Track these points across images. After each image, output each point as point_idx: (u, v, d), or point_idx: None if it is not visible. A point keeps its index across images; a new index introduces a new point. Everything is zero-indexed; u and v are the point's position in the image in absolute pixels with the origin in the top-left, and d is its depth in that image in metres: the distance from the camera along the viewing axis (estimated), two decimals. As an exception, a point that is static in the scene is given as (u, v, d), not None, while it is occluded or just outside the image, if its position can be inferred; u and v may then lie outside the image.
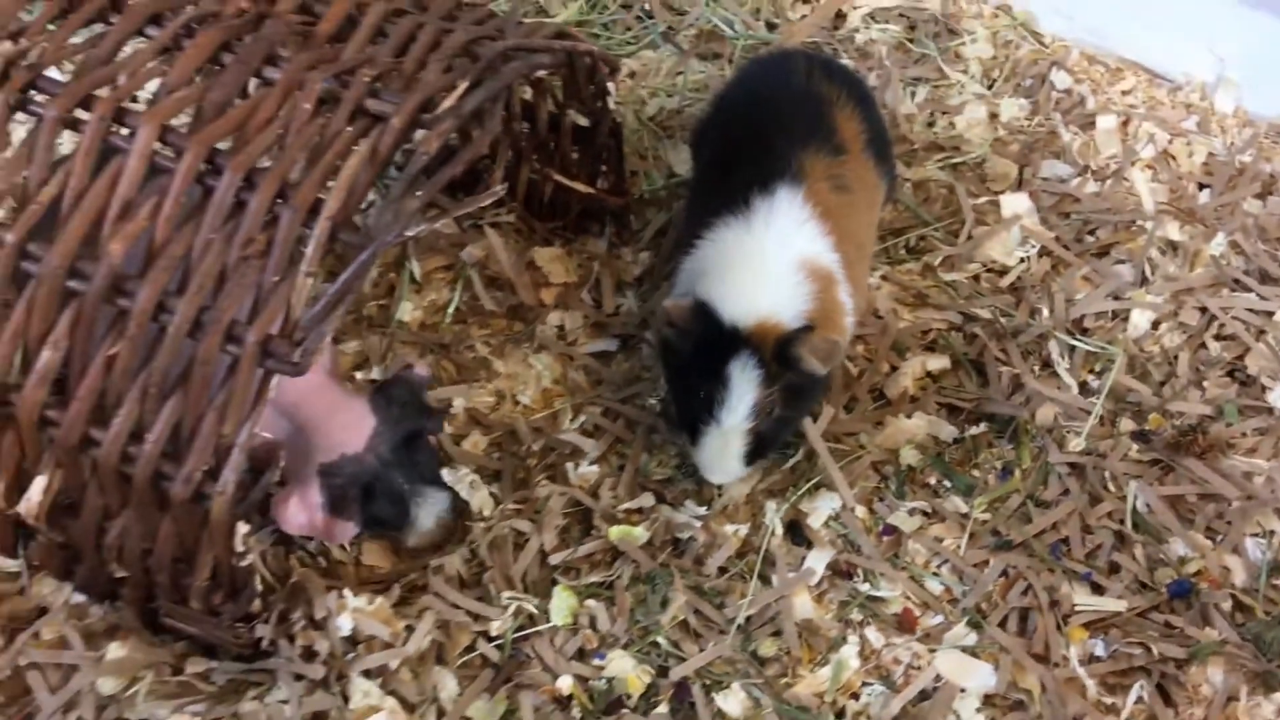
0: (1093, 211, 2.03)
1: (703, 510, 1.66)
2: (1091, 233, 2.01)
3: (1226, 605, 1.59)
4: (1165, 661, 1.54)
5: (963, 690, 1.51)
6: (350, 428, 1.48)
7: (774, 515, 1.64)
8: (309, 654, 1.47)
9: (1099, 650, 1.56)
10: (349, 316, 1.82)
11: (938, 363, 1.81)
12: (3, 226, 1.23)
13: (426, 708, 1.47)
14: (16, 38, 1.31)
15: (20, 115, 1.28)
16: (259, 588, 1.40)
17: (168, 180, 1.22)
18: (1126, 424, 1.76)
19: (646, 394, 1.78)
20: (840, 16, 2.34)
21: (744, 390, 1.52)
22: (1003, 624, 1.57)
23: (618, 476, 1.69)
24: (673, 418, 1.70)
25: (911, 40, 2.30)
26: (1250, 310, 1.90)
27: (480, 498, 1.64)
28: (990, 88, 2.24)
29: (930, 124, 2.17)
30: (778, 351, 1.52)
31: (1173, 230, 2.00)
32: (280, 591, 1.53)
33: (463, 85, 1.31)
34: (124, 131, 1.25)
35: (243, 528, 1.28)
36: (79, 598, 1.49)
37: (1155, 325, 1.88)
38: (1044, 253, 1.97)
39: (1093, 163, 2.11)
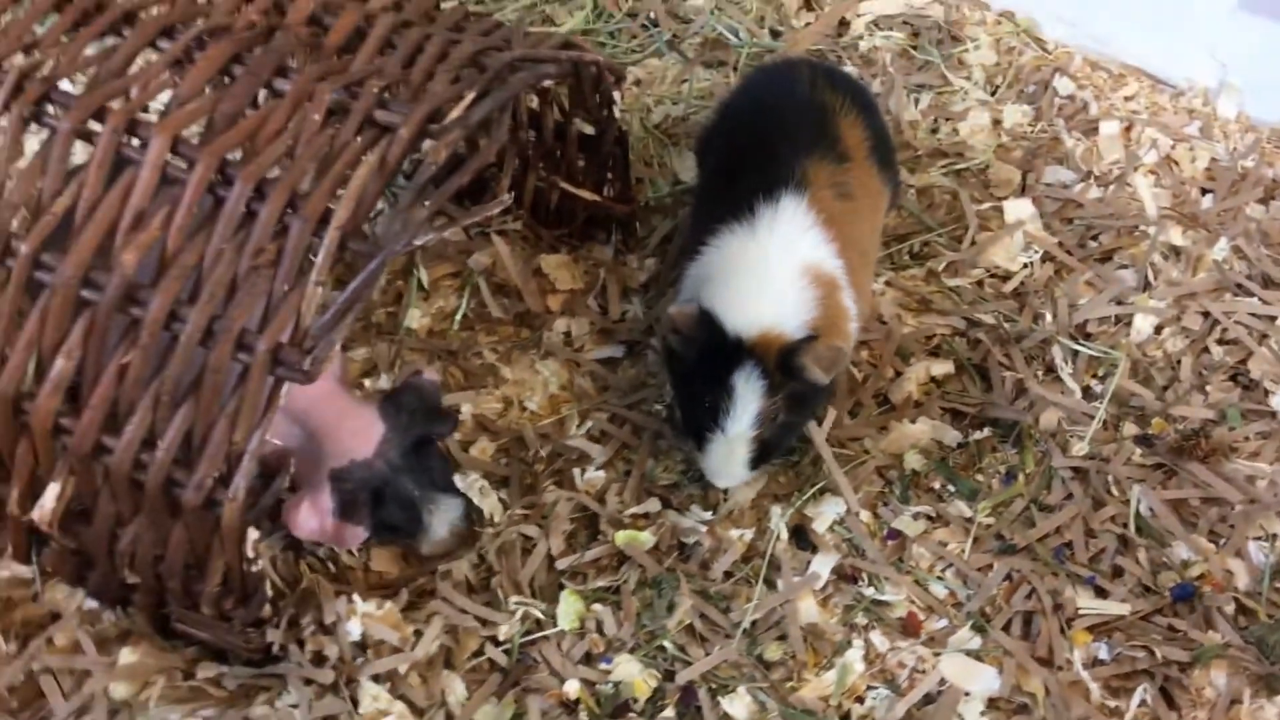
0: (1095, 217, 2.03)
1: (708, 515, 1.67)
2: (1094, 238, 2.01)
3: (1229, 608, 1.59)
4: (1168, 665, 1.54)
5: (967, 694, 1.51)
6: (359, 434, 1.49)
7: (779, 520, 1.65)
8: (319, 659, 1.49)
9: (1102, 654, 1.56)
10: (358, 324, 1.83)
11: (941, 368, 1.82)
12: (17, 237, 1.24)
13: (435, 712, 1.47)
14: (30, 50, 1.32)
15: (34, 127, 1.29)
16: (269, 593, 1.41)
17: (180, 191, 1.23)
18: (1130, 428, 1.77)
19: (652, 399, 1.78)
20: (844, 24, 2.35)
21: (748, 399, 1.53)
22: (1006, 628, 1.57)
23: (624, 482, 1.69)
24: (678, 423, 1.70)
25: (915, 47, 2.31)
26: (1253, 315, 1.90)
27: (489, 503, 1.65)
28: (993, 94, 2.24)
29: (934, 130, 2.18)
30: (781, 361, 1.53)
31: (1175, 235, 2.00)
32: (290, 597, 1.54)
33: (470, 95, 1.32)
34: (136, 143, 1.26)
35: (253, 534, 1.30)
36: (91, 603, 1.50)
37: (1158, 330, 1.89)
38: (1047, 258, 1.98)
39: (1095, 168, 2.11)
